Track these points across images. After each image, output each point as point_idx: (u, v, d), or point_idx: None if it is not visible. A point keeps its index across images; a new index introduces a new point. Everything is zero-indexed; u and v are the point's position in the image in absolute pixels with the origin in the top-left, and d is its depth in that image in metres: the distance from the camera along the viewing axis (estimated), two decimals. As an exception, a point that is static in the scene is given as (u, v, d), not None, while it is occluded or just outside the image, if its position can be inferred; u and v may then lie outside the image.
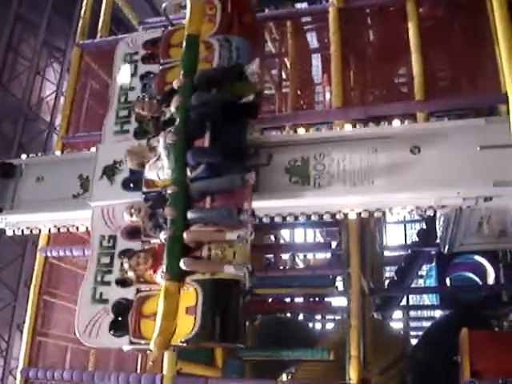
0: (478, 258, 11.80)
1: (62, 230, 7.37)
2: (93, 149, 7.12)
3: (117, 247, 6.31)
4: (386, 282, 12.92)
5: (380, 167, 5.90)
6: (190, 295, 5.43)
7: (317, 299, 10.82)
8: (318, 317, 14.91)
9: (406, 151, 5.91)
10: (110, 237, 6.39)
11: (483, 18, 6.72)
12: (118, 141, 6.85)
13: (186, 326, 5.30)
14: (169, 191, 5.75)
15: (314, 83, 10.09)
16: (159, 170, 6.00)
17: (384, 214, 6.30)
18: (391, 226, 17.34)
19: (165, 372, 6.54)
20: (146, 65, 7.20)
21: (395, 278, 12.35)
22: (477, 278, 12.37)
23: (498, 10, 5.36)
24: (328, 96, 9.24)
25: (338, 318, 13.21)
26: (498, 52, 5.91)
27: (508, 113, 5.09)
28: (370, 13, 8.20)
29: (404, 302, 13.88)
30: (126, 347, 5.78)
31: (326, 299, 10.55)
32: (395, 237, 17.45)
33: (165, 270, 5.44)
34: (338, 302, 11.08)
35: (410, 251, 12.64)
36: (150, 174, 6.12)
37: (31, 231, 7.53)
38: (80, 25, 9.35)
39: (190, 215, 5.61)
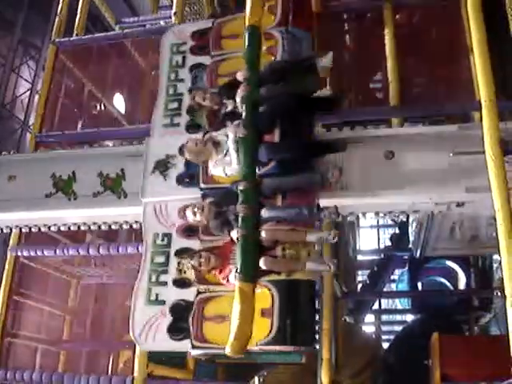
0: (449, 263, 11.90)
1: (33, 230, 7.28)
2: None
3: (172, 246, 6.11)
4: (359, 285, 12.98)
5: (354, 171, 5.92)
6: (263, 297, 5.24)
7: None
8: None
9: (380, 156, 5.96)
10: (164, 235, 6.19)
11: (459, 26, 6.81)
12: (168, 134, 6.67)
13: (262, 330, 5.13)
14: (240, 188, 5.34)
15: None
16: (226, 166, 5.72)
17: (357, 218, 6.35)
18: (365, 230, 17.42)
19: (136, 374, 6.47)
20: (195, 56, 7.05)
21: (368, 282, 12.42)
22: (448, 283, 12.47)
23: (473, 18, 5.42)
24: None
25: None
26: (472, 60, 5.98)
27: (481, 120, 5.15)
28: (347, 18, 8.25)
29: (376, 306, 13.97)
30: (195, 352, 5.62)
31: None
32: (368, 241, 17.54)
33: (239, 271, 5.06)
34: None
35: (382, 256, 12.73)
36: (215, 170, 5.85)
37: (2, 230, 7.43)
38: (56, 22, 9.24)
39: (265, 213, 5.33)
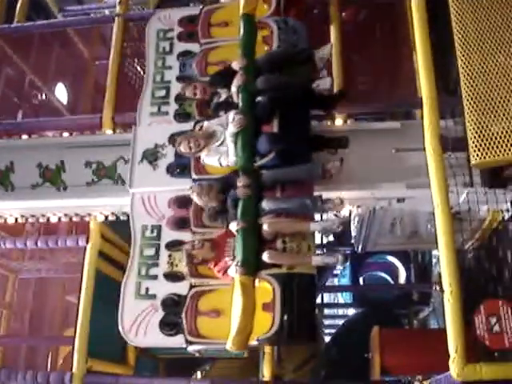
0: (390, 258, 12.12)
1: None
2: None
3: (162, 238, 5.92)
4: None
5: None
6: (264, 290, 5.09)
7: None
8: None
9: (323, 151, 5.98)
10: (154, 227, 5.99)
11: (403, 24, 6.90)
12: (156, 123, 6.51)
13: (263, 324, 4.96)
14: (240, 182, 5.30)
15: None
16: (222, 156, 5.59)
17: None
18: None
19: (74, 370, 6.33)
20: (183, 43, 6.90)
21: (311, 277, 12.51)
22: (389, 278, 12.69)
23: (416, 17, 5.51)
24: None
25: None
26: (415, 57, 6.07)
27: (422, 117, 5.24)
28: (294, 13, 8.25)
29: (319, 300, 14.09)
30: (191, 348, 5.47)
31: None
32: (312, 236, 17.68)
33: (240, 264, 5.00)
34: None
35: (325, 251, 12.83)
36: (208, 159, 5.71)
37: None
38: (-4, 9, 8.96)
39: (266, 205, 5.25)
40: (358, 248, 9.24)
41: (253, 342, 5.00)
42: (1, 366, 7.74)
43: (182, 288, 5.64)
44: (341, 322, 13.79)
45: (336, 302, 16.62)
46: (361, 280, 12.83)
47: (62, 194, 6.63)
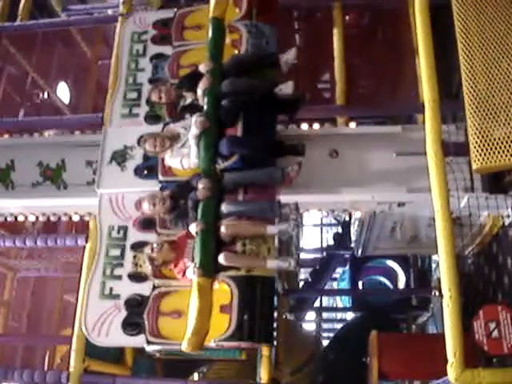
0: (389, 262, 12.09)
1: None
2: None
3: (128, 239, 5.95)
4: (301, 283, 13.05)
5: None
6: (222, 292, 5.10)
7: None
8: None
9: (325, 154, 5.99)
10: (120, 227, 6.02)
11: (406, 29, 6.92)
12: (126, 125, 6.50)
13: (220, 326, 4.98)
14: (201, 184, 5.32)
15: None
16: (183, 158, 5.63)
17: (301, 216, 6.36)
18: (308, 228, 17.54)
19: (71, 369, 6.32)
20: (156, 46, 6.91)
21: (309, 280, 12.50)
22: (388, 282, 12.66)
23: (419, 21, 5.50)
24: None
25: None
26: (417, 62, 6.08)
27: (424, 122, 5.24)
28: (297, 17, 8.27)
29: (317, 304, 14.08)
30: (150, 348, 5.49)
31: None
32: (311, 240, 17.66)
33: (198, 266, 5.00)
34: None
35: (325, 254, 12.83)
36: (171, 161, 5.77)
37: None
38: (-1, 7, 8.97)
39: (225, 208, 5.26)
40: (357, 252, 9.23)
41: (210, 344, 5.02)
42: (-2, 365, 7.74)
43: (145, 289, 5.66)
44: (339, 325, 13.79)
45: (335, 305, 16.63)
46: (360, 284, 12.79)
47: (63, 192, 6.64)
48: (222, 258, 5.09)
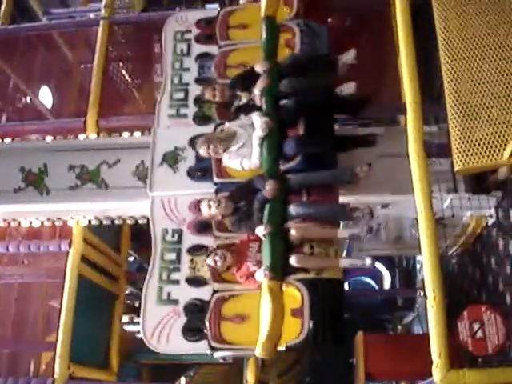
0: (375, 263, 12.12)
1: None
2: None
3: (183, 242, 5.84)
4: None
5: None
6: (291, 296, 5.02)
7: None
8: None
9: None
10: (175, 231, 5.90)
11: (388, 30, 6.93)
12: (175, 125, 6.43)
13: (292, 330, 4.89)
14: (268, 185, 5.26)
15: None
16: (244, 159, 5.56)
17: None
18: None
19: (56, 376, 6.26)
20: (201, 45, 6.84)
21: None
22: (373, 283, 12.69)
23: (400, 23, 5.53)
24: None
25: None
26: (399, 63, 6.10)
27: (406, 123, 5.26)
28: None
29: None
30: (216, 354, 5.36)
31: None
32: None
33: (268, 269, 4.94)
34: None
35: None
36: (230, 162, 5.66)
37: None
38: (-20, 11, 8.90)
39: (293, 209, 5.20)
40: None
41: (281, 348, 4.93)
42: (-17, 372, 7.66)
43: (204, 293, 5.54)
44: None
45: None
46: (346, 285, 12.80)
47: (45, 198, 6.57)
48: (293, 260, 5.03)
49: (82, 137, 6.91)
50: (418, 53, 5.41)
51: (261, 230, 5.19)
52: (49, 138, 7.00)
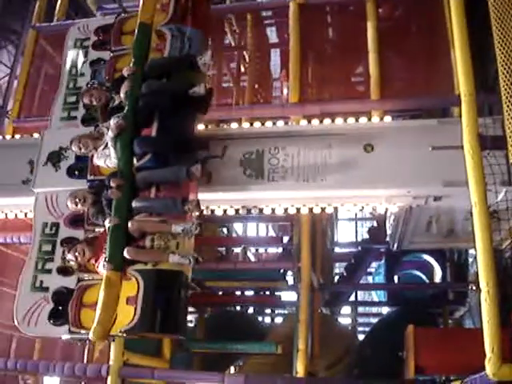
0: (425, 256, 11.99)
1: (9, 217, 7.21)
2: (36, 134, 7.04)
3: (59, 235, 6.23)
4: (336, 277, 13.04)
5: (333, 163, 5.96)
6: (131, 285, 5.31)
7: (267, 293, 10.86)
8: (268, 310, 14.98)
9: (360, 149, 5.98)
10: (53, 224, 6.31)
11: (440, 20, 6.84)
12: (64, 127, 6.78)
13: (126, 317, 5.19)
14: (113, 183, 5.59)
15: (272, 78, 10.11)
16: (107, 159, 5.95)
17: (336, 209, 6.38)
18: (343, 222, 17.49)
19: (111, 362, 6.46)
20: (96, 51, 7.15)
21: (344, 274, 12.47)
22: (424, 276, 12.58)
23: (454, 13, 5.45)
24: (285, 91, 9.26)
25: (287, 312, 13.31)
26: (453, 54, 6.01)
27: (460, 115, 5.19)
28: (329, 11, 8.24)
29: (352, 298, 14.05)
30: (65, 336, 5.68)
31: (276, 293, 10.59)
32: (346, 234, 17.61)
33: (107, 259, 5.32)
34: (288, 296, 11.13)
35: (359, 248, 12.79)
36: (98, 161, 6.07)
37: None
38: (37, 7, 9.14)
39: (134, 204, 5.53)
40: (393, 246, 9.18)
41: (117, 333, 5.23)
42: (39, 358, 7.92)
43: (71, 282, 5.87)
44: (375, 320, 13.75)
45: (370, 300, 16.56)
46: (395, 278, 12.73)
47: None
48: (124, 253, 5.33)
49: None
50: (471, 42, 5.32)
51: (107, 223, 5.50)
52: None
